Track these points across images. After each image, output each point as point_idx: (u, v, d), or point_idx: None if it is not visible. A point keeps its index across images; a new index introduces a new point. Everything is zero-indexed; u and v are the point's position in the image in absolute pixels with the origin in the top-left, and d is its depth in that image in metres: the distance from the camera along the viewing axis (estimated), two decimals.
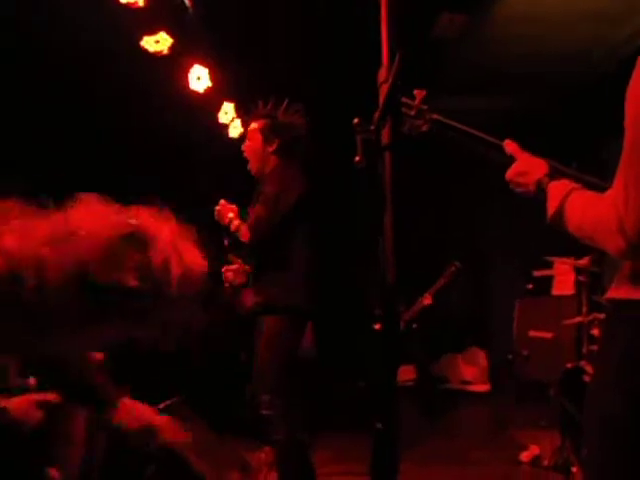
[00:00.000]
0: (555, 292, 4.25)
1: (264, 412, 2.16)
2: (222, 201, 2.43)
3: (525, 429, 3.35)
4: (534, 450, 2.97)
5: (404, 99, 1.13)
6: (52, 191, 0.94)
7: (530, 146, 1.18)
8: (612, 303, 1.00)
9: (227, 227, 2.36)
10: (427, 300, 3.65)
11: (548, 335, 3.70)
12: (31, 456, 1.43)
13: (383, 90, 0.83)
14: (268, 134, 2.43)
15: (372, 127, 0.86)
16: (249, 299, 2.31)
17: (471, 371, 4.92)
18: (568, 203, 1.03)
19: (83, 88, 3.55)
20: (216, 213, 2.40)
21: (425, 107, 1.18)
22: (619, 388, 0.94)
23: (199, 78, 3.56)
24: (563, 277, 4.06)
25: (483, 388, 4.82)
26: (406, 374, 4.33)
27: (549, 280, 4.20)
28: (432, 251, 4.77)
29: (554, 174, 1.10)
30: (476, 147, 1.15)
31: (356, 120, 0.98)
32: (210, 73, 3.59)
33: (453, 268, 2.97)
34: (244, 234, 2.27)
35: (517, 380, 4.14)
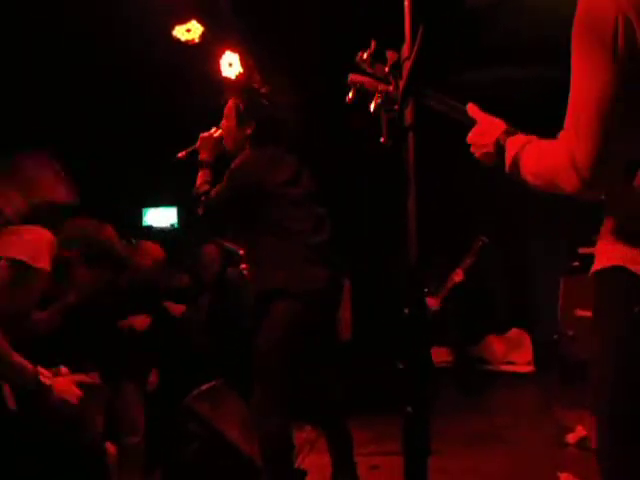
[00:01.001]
0: None
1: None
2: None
3: (571, 410, 3.27)
4: (581, 432, 2.90)
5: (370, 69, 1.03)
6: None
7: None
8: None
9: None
10: (458, 276, 3.58)
11: None
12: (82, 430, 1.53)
13: (406, 67, 0.81)
14: (244, 114, 2.21)
15: (396, 107, 0.84)
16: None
17: (514, 352, 4.83)
18: (524, 152, 1.00)
19: (120, 77, 3.65)
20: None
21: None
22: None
23: (231, 64, 3.58)
24: None
25: (527, 369, 4.72)
26: (442, 356, 4.29)
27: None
28: (472, 229, 4.67)
29: (513, 132, 1.06)
30: (451, 114, 1.09)
31: (377, 98, 0.97)
32: (241, 59, 3.61)
33: (480, 243, 2.89)
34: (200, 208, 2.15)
35: (562, 361, 4.03)
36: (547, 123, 1.08)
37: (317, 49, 3.73)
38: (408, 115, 0.81)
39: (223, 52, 3.71)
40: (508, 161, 1.02)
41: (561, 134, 0.92)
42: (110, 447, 1.79)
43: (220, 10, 3.41)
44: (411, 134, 0.79)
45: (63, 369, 1.68)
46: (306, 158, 2.27)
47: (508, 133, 1.05)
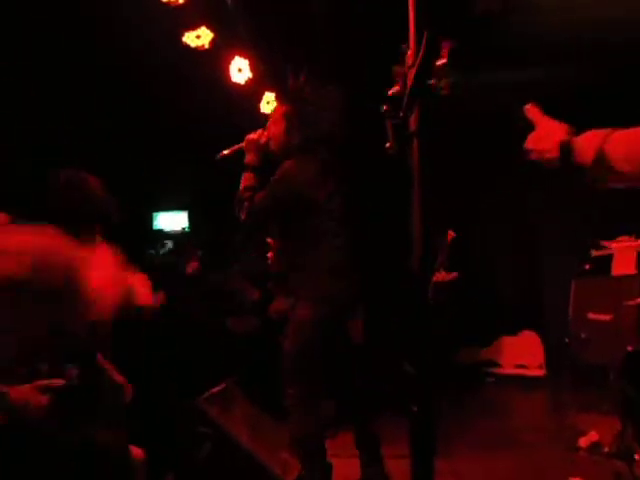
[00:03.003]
0: (615, 272, 4.05)
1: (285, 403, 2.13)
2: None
3: (583, 414, 3.24)
4: (593, 436, 2.87)
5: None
6: None
7: (581, 121, 1.11)
8: None
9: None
10: (437, 278, 3.54)
11: (607, 317, 3.55)
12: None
13: (410, 75, 0.82)
14: (292, 123, 2.22)
15: (401, 113, 0.85)
16: (281, 304, 2.31)
17: (525, 355, 4.79)
18: (611, 141, 0.95)
19: (133, 83, 3.69)
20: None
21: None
22: None
23: (240, 70, 3.61)
24: (624, 257, 3.87)
25: (538, 372, 4.68)
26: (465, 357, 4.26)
27: (608, 260, 4.01)
28: (484, 232, 4.65)
29: (575, 133, 1.03)
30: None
31: (385, 106, 0.98)
32: (250, 64, 3.64)
33: (450, 237, 2.83)
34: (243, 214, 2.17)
35: (574, 364, 4.00)
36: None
37: (331, 49, 3.73)
38: (412, 122, 0.82)
39: (232, 58, 3.75)
40: (591, 155, 0.98)
41: None
42: (136, 451, 1.69)
43: (228, 15, 3.44)
44: (416, 140, 0.80)
45: (44, 368, 1.50)
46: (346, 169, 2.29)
47: (571, 133, 1.03)
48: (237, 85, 3.64)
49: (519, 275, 5.25)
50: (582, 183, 1.06)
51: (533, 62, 4.52)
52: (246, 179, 2.23)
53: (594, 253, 3.97)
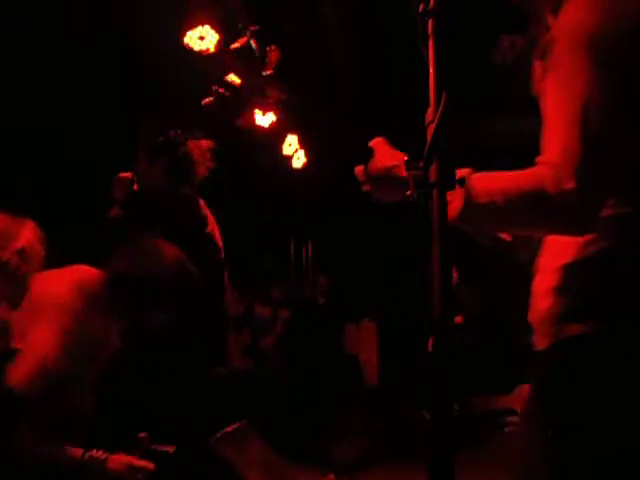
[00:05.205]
0: None
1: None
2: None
3: None
4: None
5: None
6: None
7: None
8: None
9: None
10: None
11: None
12: None
13: (430, 130, 0.87)
14: None
15: (421, 164, 0.89)
16: None
17: None
18: (476, 178, 0.92)
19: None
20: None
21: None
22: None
23: (264, 113, 3.74)
24: None
25: None
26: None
27: None
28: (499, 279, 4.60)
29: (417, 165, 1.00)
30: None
31: (405, 157, 1.03)
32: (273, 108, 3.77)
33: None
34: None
35: None
36: None
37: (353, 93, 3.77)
38: (433, 173, 0.85)
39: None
40: (457, 203, 0.93)
41: (539, 159, 0.91)
42: None
43: (255, 63, 3.48)
44: (436, 191, 0.84)
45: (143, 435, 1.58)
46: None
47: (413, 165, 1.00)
48: (261, 128, 3.77)
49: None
50: None
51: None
52: None
53: None
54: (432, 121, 0.86)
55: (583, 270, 0.92)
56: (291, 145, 4.24)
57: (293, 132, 4.21)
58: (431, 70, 0.92)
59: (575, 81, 0.90)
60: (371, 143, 1.13)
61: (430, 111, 0.89)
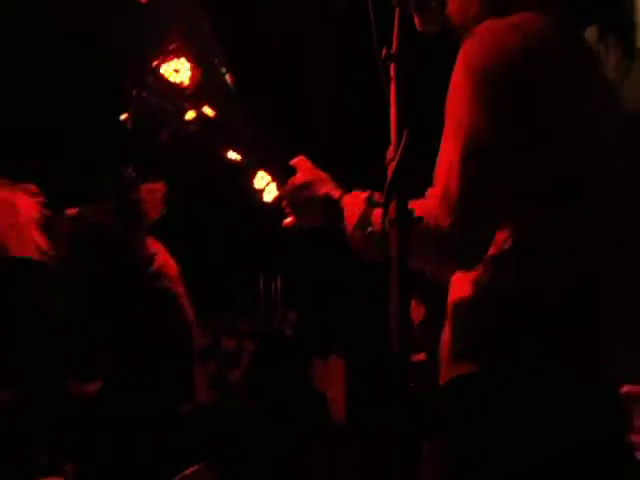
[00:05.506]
0: None
1: None
2: None
3: None
4: None
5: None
6: None
7: None
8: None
9: None
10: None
11: None
12: None
13: (390, 168, 0.89)
14: None
15: (381, 201, 0.91)
16: None
17: None
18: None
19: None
20: None
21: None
22: None
23: (236, 149, 3.78)
24: None
25: None
26: None
27: None
28: None
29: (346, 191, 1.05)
30: None
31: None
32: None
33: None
34: None
35: None
36: None
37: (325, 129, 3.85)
38: (392, 210, 0.87)
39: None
40: (350, 225, 0.97)
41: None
42: None
43: (230, 96, 3.54)
44: (395, 228, 0.85)
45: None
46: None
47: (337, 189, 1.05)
48: (233, 161, 3.79)
49: None
50: None
51: None
52: None
53: None
54: (393, 159, 0.88)
55: (473, 308, 0.94)
56: (263, 179, 4.27)
57: (263, 168, 4.26)
58: (392, 110, 0.95)
59: (461, 113, 0.94)
60: (293, 162, 1.16)
61: (391, 149, 0.91)
